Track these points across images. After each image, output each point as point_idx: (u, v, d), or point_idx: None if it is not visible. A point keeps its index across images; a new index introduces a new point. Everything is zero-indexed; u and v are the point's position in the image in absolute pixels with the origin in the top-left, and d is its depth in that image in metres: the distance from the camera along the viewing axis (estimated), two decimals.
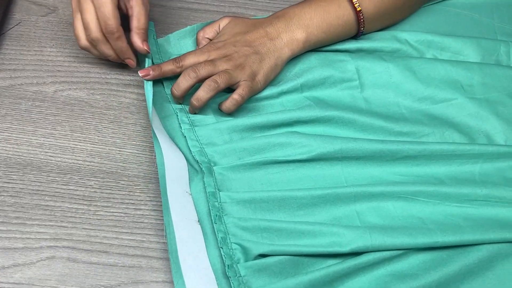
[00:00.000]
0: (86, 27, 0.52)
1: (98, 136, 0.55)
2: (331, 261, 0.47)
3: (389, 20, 0.62)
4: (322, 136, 0.53)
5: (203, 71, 0.52)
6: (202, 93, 0.52)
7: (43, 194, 0.51)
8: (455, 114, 0.56)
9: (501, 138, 0.55)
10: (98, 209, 0.50)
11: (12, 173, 0.52)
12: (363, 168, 0.52)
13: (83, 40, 0.54)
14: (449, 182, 0.52)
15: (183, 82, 0.52)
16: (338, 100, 0.58)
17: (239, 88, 0.53)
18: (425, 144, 0.52)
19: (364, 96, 0.58)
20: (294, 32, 0.55)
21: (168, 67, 0.54)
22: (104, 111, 0.57)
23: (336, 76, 0.58)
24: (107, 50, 0.55)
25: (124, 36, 0.54)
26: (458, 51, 0.61)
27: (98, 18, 0.52)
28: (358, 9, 0.57)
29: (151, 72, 0.53)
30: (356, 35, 0.60)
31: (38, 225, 0.49)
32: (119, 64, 0.60)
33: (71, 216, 0.50)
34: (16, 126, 0.55)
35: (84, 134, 0.55)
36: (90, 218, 0.50)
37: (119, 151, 0.54)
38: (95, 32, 0.52)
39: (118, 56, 0.56)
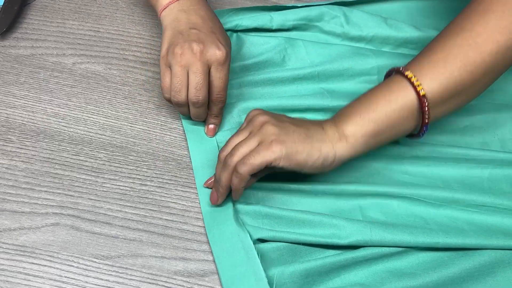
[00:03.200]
0: (174, 90, 0.49)
1: (111, 111, 0.56)
2: (329, 253, 0.47)
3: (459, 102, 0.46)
4: None
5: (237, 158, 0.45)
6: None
7: (53, 162, 0.52)
8: (472, 116, 0.55)
9: None
10: (105, 181, 0.51)
11: (26, 140, 0.53)
12: (372, 167, 0.52)
13: (167, 95, 0.51)
14: (457, 186, 0.51)
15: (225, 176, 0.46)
16: (353, 92, 0.57)
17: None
18: (435, 146, 0.52)
19: None
20: (343, 132, 0.45)
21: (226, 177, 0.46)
22: (119, 87, 0.58)
23: (356, 69, 0.58)
24: (184, 110, 0.52)
25: (206, 106, 0.51)
26: None
27: (187, 84, 0.49)
28: (426, 118, 0.44)
29: (219, 200, 0.48)
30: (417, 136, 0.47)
31: (46, 191, 0.50)
32: (138, 41, 0.61)
33: (78, 186, 0.51)
34: (33, 95, 0.56)
35: (98, 107, 0.56)
36: (96, 190, 0.51)
37: (131, 126, 0.55)
38: (183, 98, 0.50)
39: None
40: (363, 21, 0.61)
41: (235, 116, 0.55)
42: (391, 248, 0.47)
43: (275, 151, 0.43)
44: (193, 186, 0.51)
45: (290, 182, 0.51)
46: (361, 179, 0.51)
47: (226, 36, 0.52)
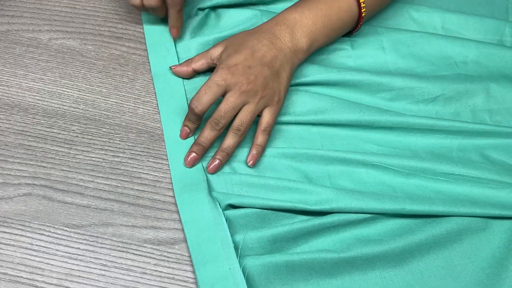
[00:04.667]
0: None
1: (86, 84, 0.56)
2: (297, 219, 0.47)
3: (380, 8, 0.60)
4: (300, 98, 0.53)
5: (225, 121, 0.49)
6: (230, 141, 0.50)
7: (27, 135, 0.52)
8: (445, 86, 0.56)
9: (486, 115, 0.54)
10: (77, 153, 0.52)
11: (0, 113, 0.53)
12: (340, 135, 0.52)
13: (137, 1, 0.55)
14: (425, 155, 0.52)
15: (209, 133, 0.50)
16: (328, 64, 0.57)
17: (262, 123, 0.51)
18: (404, 116, 0.52)
19: (355, 64, 0.58)
20: (299, 41, 0.53)
21: (191, 117, 0.51)
22: (94, 61, 0.58)
23: (328, 46, 0.58)
24: (160, 13, 0.56)
25: (182, 11, 0.56)
26: (458, 28, 0.60)
27: None
28: (363, 11, 0.55)
29: (194, 155, 0.50)
30: (351, 33, 0.58)
31: (19, 163, 0.51)
32: (113, 17, 0.61)
33: (51, 158, 0.51)
34: (8, 69, 0.57)
35: (72, 82, 0.56)
36: (69, 161, 0.51)
37: (104, 99, 0.55)
38: (157, 1, 0.54)
39: (163, 15, 0.57)
40: None
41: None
42: (359, 215, 0.47)
43: (281, 106, 0.52)
44: (165, 158, 0.52)
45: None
46: (329, 147, 0.52)
47: None
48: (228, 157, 0.50)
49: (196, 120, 0.51)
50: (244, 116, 0.49)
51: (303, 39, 0.53)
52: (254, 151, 0.50)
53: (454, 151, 0.52)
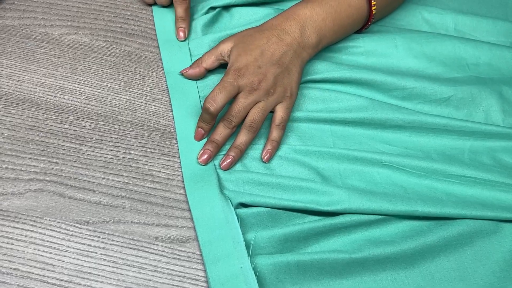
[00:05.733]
0: None
1: (97, 81, 0.56)
2: (308, 219, 0.47)
3: (392, 8, 0.60)
4: (314, 96, 0.53)
5: (237, 119, 0.50)
6: (243, 138, 0.50)
7: (38, 130, 0.52)
8: (457, 87, 0.55)
9: (499, 117, 0.54)
10: (89, 149, 0.52)
11: (11, 108, 0.53)
12: (352, 134, 0.52)
13: None
14: (437, 157, 0.52)
15: (223, 131, 0.50)
16: (340, 62, 0.57)
17: (276, 118, 0.51)
18: (416, 115, 0.52)
19: (367, 62, 0.57)
20: (309, 37, 0.53)
21: (206, 118, 0.51)
22: (106, 57, 0.58)
23: (341, 43, 0.58)
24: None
25: (189, 9, 0.58)
26: (470, 30, 0.60)
27: None
28: (373, 9, 0.55)
29: (208, 151, 0.50)
30: (360, 31, 0.59)
31: (31, 158, 0.50)
32: (125, 13, 0.61)
33: (62, 154, 0.51)
34: (20, 64, 0.56)
35: (84, 77, 0.56)
36: (80, 157, 0.51)
37: (116, 96, 0.55)
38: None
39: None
40: None
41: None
42: (371, 216, 0.47)
43: (294, 100, 0.52)
44: (177, 155, 0.52)
45: None
46: (341, 146, 0.52)
47: None
48: (241, 154, 0.51)
49: (210, 120, 0.51)
50: (256, 113, 0.50)
51: (312, 35, 0.53)
52: (269, 146, 0.51)
53: (466, 153, 0.52)
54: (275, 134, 0.51)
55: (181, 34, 0.58)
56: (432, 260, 0.47)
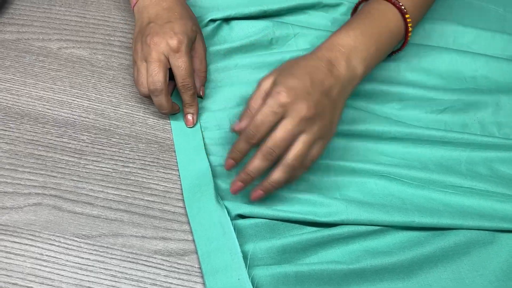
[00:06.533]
0: (152, 76, 0.51)
1: (96, 94, 0.56)
2: (306, 230, 0.47)
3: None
4: None
5: (279, 151, 0.44)
6: (279, 174, 0.45)
7: (37, 144, 0.52)
8: (454, 98, 0.56)
9: (495, 128, 0.55)
10: (87, 162, 0.52)
11: (10, 122, 0.54)
12: (349, 146, 0.53)
13: (145, 89, 0.52)
14: (434, 167, 0.52)
15: (261, 164, 0.45)
16: None
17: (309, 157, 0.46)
18: (413, 128, 0.52)
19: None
20: (355, 69, 0.48)
21: (243, 147, 0.46)
22: (104, 71, 0.58)
23: None
24: (165, 102, 0.53)
25: (166, 95, 0.52)
26: (469, 42, 0.61)
27: (167, 72, 0.51)
28: (409, 35, 0.53)
29: (240, 184, 0.47)
30: (391, 55, 0.57)
31: (29, 172, 0.51)
32: (123, 27, 0.61)
33: (61, 167, 0.51)
34: (18, 78, 0.57)
35: (82, 91, 0.56)
36: (79, 171, 0.51)
37: (114, 109, 0.56)
38: (162, 83, 0.51)
39: (171, 111, 0.54)
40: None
41: (222, 100, 0.56)
42: (368, 227, 0.47)
43: (330, 140, 0.47)
44: (175, 168, 0.52)
45: None
46: (339, 158, 0.52)
47: (186, 23, 0.53)
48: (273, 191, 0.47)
49: (248, 149, 0.46)
50: (300, 149, 0.44)
51: (358, 66, 0.49)
52: (268, 186, 0.46)
53: (463, 163, 0.52)
54: (278, 173, 0.45)
55: (189, 120, 0.54)
56: (430, 270, 0.47)
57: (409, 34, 0.53)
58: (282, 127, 0.44)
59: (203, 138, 0.54)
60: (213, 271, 0.45)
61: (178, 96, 0.55)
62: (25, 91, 0.56)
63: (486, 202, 0.49)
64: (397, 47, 0.55)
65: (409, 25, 0.52)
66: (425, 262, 0.47)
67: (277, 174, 0.45)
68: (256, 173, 0.45)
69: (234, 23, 0.60)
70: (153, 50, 0.50)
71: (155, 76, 0.50)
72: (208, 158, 0.52)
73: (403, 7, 0.51)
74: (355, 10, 0.58)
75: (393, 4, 0.51)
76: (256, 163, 0.45)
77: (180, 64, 0.51)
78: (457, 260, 0.47)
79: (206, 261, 0.45)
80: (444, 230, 0.48)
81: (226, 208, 0.48)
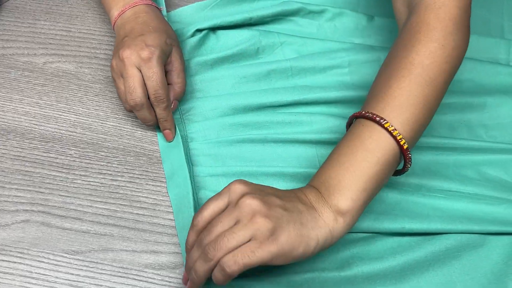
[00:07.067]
0: (130, 92, 0.50)
1: (82, 108, 0.56)
2: None
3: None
4: (300, 119, 0.54)
5: (209, 239, 0.39)
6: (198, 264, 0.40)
7: (24, 160, 0.52)
8: (442, 102, 0.56)
9: (482, 131, 0.55)
10: (75, 177, 0.51)
11: None
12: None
13: (127, 104, 0.51)
14: (422, 172, 0.52)
15: (195, 253, 0.40)
16: (325, 85, 0.58)
17: (229, 256, 0.38)
18: None
19: (352, 80, 0.58)
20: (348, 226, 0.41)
21: (192, 239, 0.41)
22: (90, 84, 0.58)
23: (327, 63, 0.58)
24: (148, 115, 0.52)
25: (148, 108, 0.51)
26: None
27: (144, 85, 0.50)
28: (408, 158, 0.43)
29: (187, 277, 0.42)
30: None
31: (17, 189, 0.50)
32: (109, 40, 0.61)
33: (49, 183, 0.51)
34: (3, 94, 0.56)
35: (69, 105, 0.56)
36: (67, 186, 0.51)
37: (101, 123, 0.55)
38: (141, 97, 0.50)
39: (156, 123, 0.53)
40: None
41: (207, 110, 0.56)
42: (359, 234, 0.47)
43: (271, 251, 0.37)
44: (164, 180, 0.52)
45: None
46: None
47: (160, 36, 0.52)
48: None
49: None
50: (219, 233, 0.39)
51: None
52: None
53: (451, 167, 0.53)
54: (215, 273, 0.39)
55: (168, 135, 0.53)
56: (421, 275, 0.47)
57: (409, 163, 0.43)
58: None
59: (188, 149, 0.53)
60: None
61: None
62: (11, 106, 0.56)
63: (475, 205, 0.50)
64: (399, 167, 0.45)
65: (408, 155, 0.42)
66: (416, 267, 0.47)
67: (197, 265, 0.39)
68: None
69: (220, 32, 0.60)
70: (126, 64, 0.50)
71: (133, 93, 0.50)
72: (194, 169, 0.52)
73: (401, 139, 0.41)
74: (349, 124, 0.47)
75: (390, 135, 0.41)
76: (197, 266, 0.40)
77: (150, 75, 0.50)
78: (448, 264, 0.47)
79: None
80: (434, 235, 0.48)
81: None
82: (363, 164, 0.41)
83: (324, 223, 0.40)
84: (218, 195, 0.41)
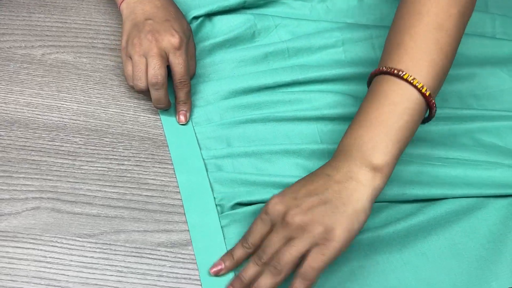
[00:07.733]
0: (155, 70, 0.51)
1: (84, 96, 0.57)
2: None
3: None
4: (299, 97, 0.55)
5: (266, 256, 0.42)
6: (266, 281, 0.42)
7: (29, 149, 0.53)
8: None
9: (473, 100, 0.57)
10: (82, 164, 0.52)
11: (0, 130, 0.53)
12: (337, 130, 0.54)
13: (131, 83, 0.53)
14: (420, 143, 0.54)
15: (252, 269, 0.43)
16: (321, 64, 0.59)
17: (301, 266, 0.41)
18: None
19: (346, 58, 0.60)
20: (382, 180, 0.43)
21: (240, 253, 0.45)
22: (90, 73, 0.59)
23: (322, 42, 0.60)
24: (164, 96, 0.53)
25: (165, 90, 0.53)
26: None
27: (147, 71, 0.52)
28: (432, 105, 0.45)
29: (223, 265, 0.46)
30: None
31: (24, 177, 0.51)
32: (105, 29, 0.62)
33: (56, 170, 0.51)
34: (4, 86, 0.57)
35: (71, 94, 0.57)
36: (74, 172, 0.51)
37: (104, 110, 0.56)
38: (164, 77, 0.51)
39: (167, 106, 0.55)
40: None
41: (209, 95, 0.57)
42: None
43: (336, 247, 0.40)
44: (170, 162, 0.53)
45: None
46: (328, 141, 0.54)
47: (182, 22, 0.55)
48: None
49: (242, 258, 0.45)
50: (285, 253, 0.41)
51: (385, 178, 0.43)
52: None
53: (447, 136, 0.55)
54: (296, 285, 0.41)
55: (182, 118, 0.54)
56: (424, 239, 0.49)
57: (434, 110, 0.45)
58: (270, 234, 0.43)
59: (194, 133, 0.54)
60: (209, 265, 0.46)
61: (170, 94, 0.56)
62: (12, 98, 0.56)
63: (473, 171, 0.52)
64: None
65: (433, 103, 0.44)
66: (420, 232, 0.49)
67: (262, 279, 0.42)
68: (248, 278, 0.44)
69: (216, 18, 0.61)
70: (155, 46, 0.51)
71: (157, 70, 0.51)
72: (200, 152, 0.53)
73: (426, 91, 0.43)
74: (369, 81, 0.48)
75: (415, 87, 0.43)
76: (250, 270, 0.44)
77: (180, 62, 0.52)
78: (449, 227, 0.49)
79: (202, 255, 0.47)
80: (435, 201, 0.50)
81: (224, 197, 0.49)
82: (391, 117, 0.42)
83: (364, 187, 0.41)
84: (260, 219, 0.44)
